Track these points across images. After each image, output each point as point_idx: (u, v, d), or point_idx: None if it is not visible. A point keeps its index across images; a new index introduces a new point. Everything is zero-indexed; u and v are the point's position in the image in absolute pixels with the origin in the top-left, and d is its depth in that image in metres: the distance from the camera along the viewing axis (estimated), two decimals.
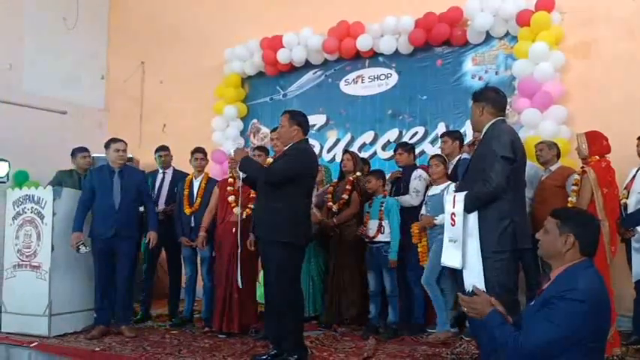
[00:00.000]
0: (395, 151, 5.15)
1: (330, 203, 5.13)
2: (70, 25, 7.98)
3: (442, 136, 5.03)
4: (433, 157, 4.61)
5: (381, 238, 4.62)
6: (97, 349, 4.27)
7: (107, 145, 4.87)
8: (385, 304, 4.71)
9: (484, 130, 3.33)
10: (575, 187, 4.15)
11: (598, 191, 3.92)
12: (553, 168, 4.58)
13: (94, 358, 4.11)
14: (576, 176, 4.18)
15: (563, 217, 2.28)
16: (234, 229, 4.62)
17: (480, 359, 3.49)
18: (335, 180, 5.41)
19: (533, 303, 2.32)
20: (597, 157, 4.07)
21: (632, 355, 3.89)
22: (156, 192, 5.54)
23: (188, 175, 5.49)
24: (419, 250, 4.54)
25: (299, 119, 3.95)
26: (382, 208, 4.64)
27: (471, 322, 3.58)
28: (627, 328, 4.28)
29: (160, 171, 5.68)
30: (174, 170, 5.71)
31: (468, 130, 5.53)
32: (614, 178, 4.04)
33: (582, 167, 4.14)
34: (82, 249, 4.60)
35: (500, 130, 3.25)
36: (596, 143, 4.11)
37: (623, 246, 4.33)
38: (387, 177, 5.07)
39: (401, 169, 5.02)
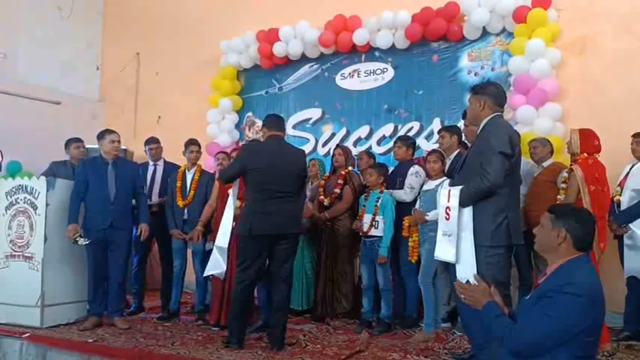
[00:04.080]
0: (395, 143, 5.12)
1: (322, 197, 5.13)
2: (65, 15, 7.93)
3: (440, 131, 5.00)
4: (431, 152, 4.56)
5: (374, 232, 4.61)
6: (90, 340, 4.26)
7: (101, 136, 4.84)
8: (378, 298, 4.71)
9: (482, 125, 3.33)
10: (563, 185, 4.19)
11: (585, 188, 3.97)
12: (546, 164, 4.59)
13: (86, 350, 4.09)
14: (565, 174, 4.20)
15: (557, 212, 2.30)
16: (234, 223, 4.62)
17: (472, 353, 3.51)
18: (326, 174, 5.42)
19: (529, 297, 2.34)
20: (585, 155, 4.10)
21: (623, 351, 3.92)
22: (148, 184, 5.51)
23: (180, 167, 5.47)
24: (409, 244, 4.53)
25: (264, 119, 4.31)
26: (377, 204, 4.63)
27: (463, 318, 3.59)
28: (618, 325, 4.31)
29: (151, 163, 5.64)
30: (166, 162, 5.68)
31: (463, 126, 5.54)
32: (602, 175, 4.07)
33: (570, 165, 4.17)
34: (81, 241, 4.58)
35: (499, 126, 3.26)
36: (588, 142, 4.15)
37: (615, 242, 4.36)
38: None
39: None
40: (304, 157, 4.30)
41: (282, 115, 4.66)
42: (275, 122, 4.22)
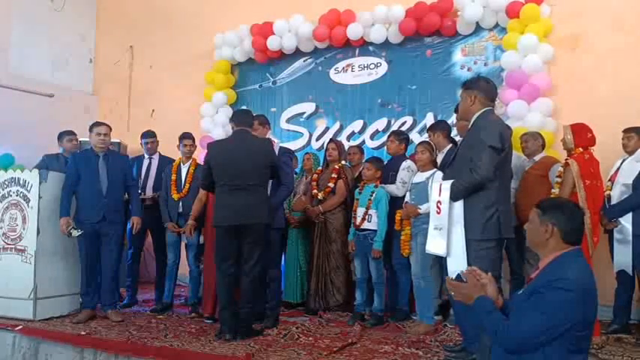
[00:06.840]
0: (388, 137, 5.13)
1: (315, 191, 5.15)
2: (58, 7, 7.87)
3: (428, 129, 4.98)
4: (420, 143, 4.57)
5: (367, 226, 4.63)
6: (83, 333, 4.27)
7: (90, 129, 4.84)
8: (371, 291, 4.74)
9: (473, 120, 3.36)
10: (558, 179, 4.20)
11: (580, 183, 3.98)
12: (537, 158, 4.62)
13: (79, 342, 4.10)
14: (560, 168, 4.23)
15: (544, 207, 2.30)
16: None
17: (463, 345, 3.54)
18: (319, 168, 5.43)
19: (521, 291, 2.33)
20: (581, 149, 4.12)
21: (612, 344, 3.95)
22: (142, 178, 5.51)
23: (175, 160, 5.47)
24: (401, 238, 4.53)
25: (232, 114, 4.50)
26: (371, 198, 4.64)
27: (455, 310, 3.63)
28: (608, 318, 4.35)
29: (146, 157, 5.63)
30: (161, 156, 5.68)
31: (455, 120, 5.57)
32: (597, 170, 4.09)
33: (566, 159, 4.19)
34: (74, 232, 4.57)
35: (490, 120, 3.28)
36: (581, 135, 4.16)
37: (605, 237, 4.40)
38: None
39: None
40: (269, 148, 4.27)
41: (249, 109, 4.69)
42: (240, 116, 4.36)
